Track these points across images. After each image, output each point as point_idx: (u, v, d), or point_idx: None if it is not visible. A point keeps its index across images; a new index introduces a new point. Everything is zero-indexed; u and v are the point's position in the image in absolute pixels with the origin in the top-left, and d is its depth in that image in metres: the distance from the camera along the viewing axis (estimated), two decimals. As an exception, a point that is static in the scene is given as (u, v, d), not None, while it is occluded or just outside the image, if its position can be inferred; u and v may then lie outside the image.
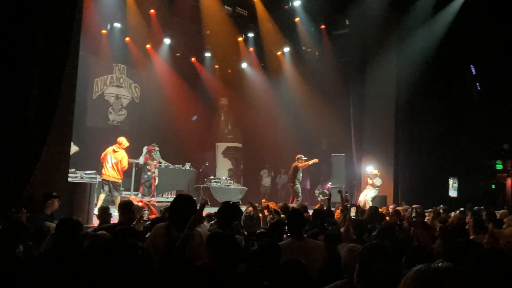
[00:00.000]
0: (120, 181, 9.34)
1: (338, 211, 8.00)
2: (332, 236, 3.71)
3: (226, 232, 3.24)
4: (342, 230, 4.71)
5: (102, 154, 9.32)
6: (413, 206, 8.28)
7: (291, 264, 2.63)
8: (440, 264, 1.31)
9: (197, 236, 3.39)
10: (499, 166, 15.50)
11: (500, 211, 9.00)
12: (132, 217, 4.67)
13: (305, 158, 11.29)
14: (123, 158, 9.21)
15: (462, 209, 8.40)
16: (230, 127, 16.67)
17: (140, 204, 6.23)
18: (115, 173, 9.14)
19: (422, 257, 2.83)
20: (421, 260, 2.85)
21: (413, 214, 4.36)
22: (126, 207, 4.50)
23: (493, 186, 15.36)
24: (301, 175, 11.47)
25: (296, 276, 2.59)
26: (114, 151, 9.21)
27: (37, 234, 4.11)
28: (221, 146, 16.47)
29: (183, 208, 3.29)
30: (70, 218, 3.44)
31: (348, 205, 7.37)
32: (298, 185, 11.29)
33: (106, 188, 9.10)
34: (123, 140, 9.34)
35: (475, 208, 9.63)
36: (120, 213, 4.51)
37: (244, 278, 3.12)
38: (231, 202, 4.20)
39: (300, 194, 11.29)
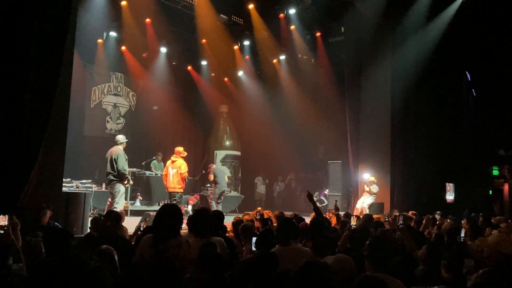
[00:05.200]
0: (181, 190, 9.55)
1: (334, 218, 8.03)
2: (319, 245, 3.71)
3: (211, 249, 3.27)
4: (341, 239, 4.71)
5: (164, 171, 9.64)
6: (408, 213, 8.30)
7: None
8: (376, 274, 1.54)
9: (184, 244, 3.38)
10: (495, 172, 15.51)
11: (497, 217, 9.01)
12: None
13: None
14: (182, 165, 9.44)
15: (454, 217, 8.42)
16: (229, 134, 16.67)
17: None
18: (176, 182, 9.35)
19: (406, 264, 2.85)
20: (405, 266, 2.88)
21: (400, 221, 4.36)
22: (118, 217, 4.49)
23: (490, 192, 15.37)
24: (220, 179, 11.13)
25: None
26: (172, 161, 9.49)
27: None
28: (220, 154, 16.44)
29: (168, 218, 3.30)
30: (58, 229, 3.43)
31: (339, 213, 7.38)
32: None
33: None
34: (181, 149, 9.64)
35: (472, 214, 9.67)
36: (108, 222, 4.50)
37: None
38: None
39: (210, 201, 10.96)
